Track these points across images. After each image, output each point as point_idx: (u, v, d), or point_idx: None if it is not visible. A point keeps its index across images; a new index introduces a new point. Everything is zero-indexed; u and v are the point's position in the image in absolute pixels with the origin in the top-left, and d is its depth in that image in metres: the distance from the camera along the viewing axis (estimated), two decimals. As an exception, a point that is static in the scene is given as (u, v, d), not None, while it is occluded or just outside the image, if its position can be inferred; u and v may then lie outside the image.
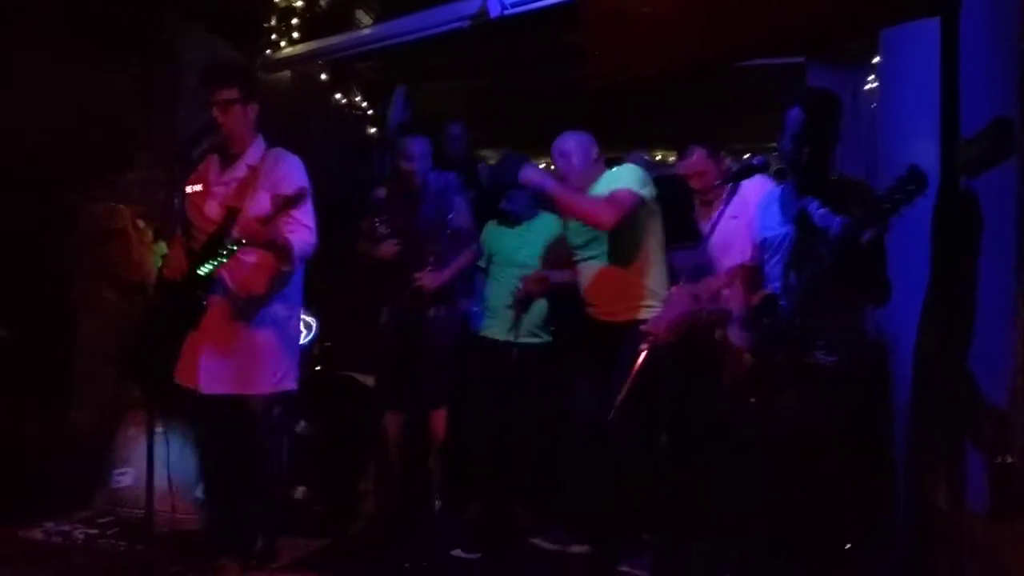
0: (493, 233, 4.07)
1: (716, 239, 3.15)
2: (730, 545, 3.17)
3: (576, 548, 3.59)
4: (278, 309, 3.15)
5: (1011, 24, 3.02)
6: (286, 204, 2.85)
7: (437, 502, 3.81)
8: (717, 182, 3.27)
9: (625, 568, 3.38)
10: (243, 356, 3.07)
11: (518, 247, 3.96)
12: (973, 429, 3.00)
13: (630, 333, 3.20)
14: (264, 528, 3.23)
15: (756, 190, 3.08)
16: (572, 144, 3.50)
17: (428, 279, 3.64)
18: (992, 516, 2.92)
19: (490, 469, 3.84)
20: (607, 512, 3.45)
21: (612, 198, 3.25)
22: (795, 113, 2.65)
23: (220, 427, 3.10)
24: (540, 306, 3.90)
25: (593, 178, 3.46)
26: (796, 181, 2.77)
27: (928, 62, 2.14)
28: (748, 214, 3.09)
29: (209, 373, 3.04)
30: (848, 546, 2.85)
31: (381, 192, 3.86)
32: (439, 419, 3.73)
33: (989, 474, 2.96)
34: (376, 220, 3.78)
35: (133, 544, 3.28)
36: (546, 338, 3.99)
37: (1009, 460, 2.96)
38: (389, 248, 3.70)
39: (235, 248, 2.86)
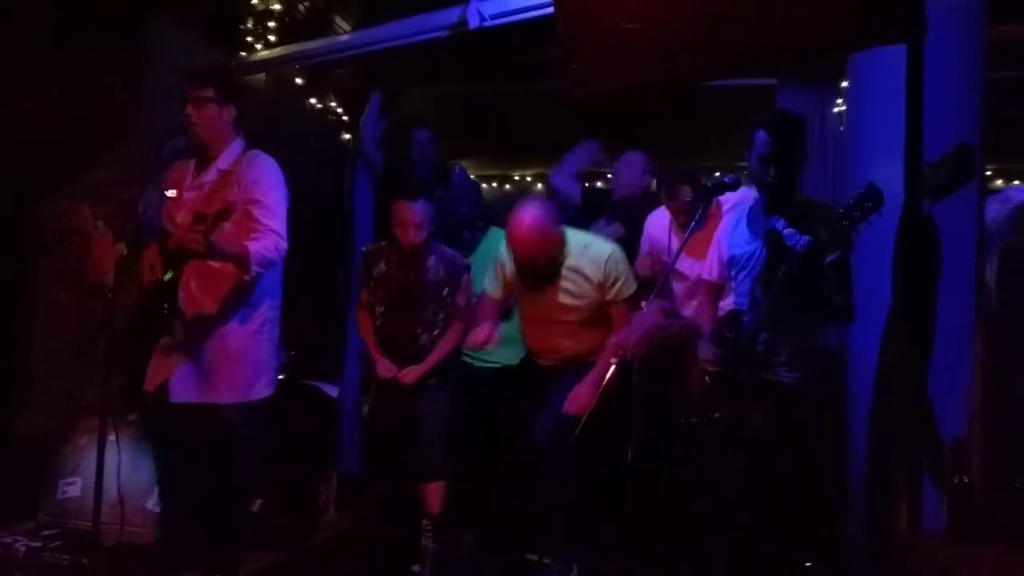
0: None
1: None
2: (690, 561, 3.18)
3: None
4: (254, 313, 3.08)
5: (975, 53, 3.12)
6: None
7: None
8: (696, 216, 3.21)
9: None
10: (214, 364, 3.01)
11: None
12: (931, 450, 3.04)
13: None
14: (233, 540, 3.16)
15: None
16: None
17: (407, 375, 3.38)
18: (949, 536, 2.97)
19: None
20: (572, 529, 3.44)
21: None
22: (761, 135, 2.70)
23: (191, 436, 3.01)
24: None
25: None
26: (764, 200, 2.82)
27: (894, 87, 2.18)
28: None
29: (180, 380, 2.97)
30: (808, 564, 2.87)
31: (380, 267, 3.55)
32: (433, 492, 3.40)
33: (947, 495, 3.01)
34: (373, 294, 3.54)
35: (78, 558, 3.14)
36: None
37: (967, 480, 3.02)
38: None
39: (188, 258, 2.82)
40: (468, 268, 3.54)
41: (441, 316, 3.46)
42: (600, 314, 3.22)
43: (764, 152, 2.70)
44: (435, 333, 3.45)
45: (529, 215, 3.05)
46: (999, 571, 2.77)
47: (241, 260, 2.88)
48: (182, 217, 3.00)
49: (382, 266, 3.48)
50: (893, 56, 2.18)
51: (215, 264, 2.96)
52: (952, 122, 3.00)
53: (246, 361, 3.05)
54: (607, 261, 3.16)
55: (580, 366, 3.22)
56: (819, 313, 2.72)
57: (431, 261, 3.44)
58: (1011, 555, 2.82)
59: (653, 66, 2.34)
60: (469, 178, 4.25)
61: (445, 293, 3.45)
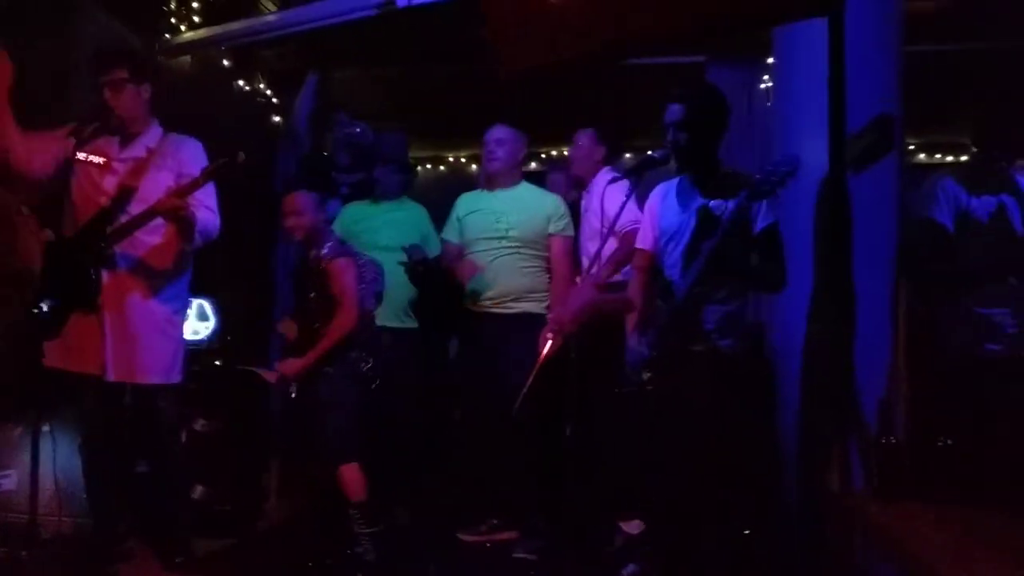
0: (354, 214, 4.01)
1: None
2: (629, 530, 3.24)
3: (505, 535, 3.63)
4: (176, 292, 3.13)
5: (893, 26, 3.22)
6: (197, 183, 2.86)
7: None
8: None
9: (520, 554, 3.46)
10: (140, 341, 3.02)
11: (379, 227, 3.88)
12: (858, 413, 3.16)
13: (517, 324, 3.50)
14: (180, 524, 3.17)
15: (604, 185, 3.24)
16: (509, 136, 3.73)
17: (288, 367, 3.35)
18: (878, 495, 3.09)
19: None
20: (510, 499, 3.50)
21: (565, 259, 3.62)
22: (673, 106, 2.77)
23: (120, 421, 3.03)
24: (406, 291, 3.87)
25: (512, 180, 3.72)
26: (688, 171, 2.86)
27: (817, 61, 2.23)
28: (593, 206, 3.42)
29: (111, 360, 2.97)
30: (747, 531, 2.94)
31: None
32: (347, 478, 3.26)
33: (875, 455, 3.13)
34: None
35: (15, 550, 3.05)
36: (411, 324, 3.96)
37: (894, 440, 3.14)
38: (288, 328, 3.50)
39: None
40: (348, 254, 3.43)
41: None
42: None
43: (675, 119, 2.76)
44: (322, 324, 3.38)
45: None
46: (926, 527, 2.89)
47: (190, 229, 2.96)
48: (111, 185, 3.02)
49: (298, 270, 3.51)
50: (815, 32, 2.24)
51: (145, 239, 3.00)
52: (873, 95, 3.09)
53: (169, 340, 3.10)
54: None
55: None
56: (749, 281, 2.79)
57: (314, 251, 3.38)
58: (937, 511, 2.95)
59: (577, 43, 2.36)
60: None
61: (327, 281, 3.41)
